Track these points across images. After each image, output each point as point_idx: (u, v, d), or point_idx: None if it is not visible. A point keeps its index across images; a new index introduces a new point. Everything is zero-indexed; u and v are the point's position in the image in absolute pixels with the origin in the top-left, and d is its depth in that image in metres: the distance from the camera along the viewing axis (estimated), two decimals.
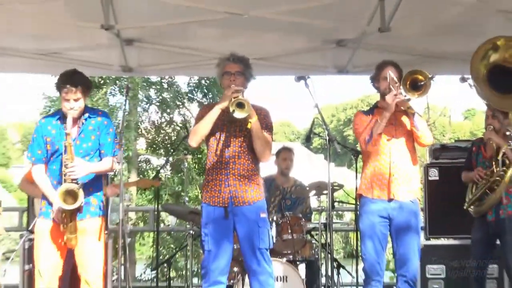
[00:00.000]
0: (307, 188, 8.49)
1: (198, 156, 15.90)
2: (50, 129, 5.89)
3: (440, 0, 7.03)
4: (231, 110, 5.75)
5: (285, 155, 8.49)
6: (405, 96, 6.00)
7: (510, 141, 6.24)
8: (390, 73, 6.11)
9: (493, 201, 6.68)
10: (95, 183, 5.95)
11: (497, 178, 6.58)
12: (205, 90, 17.07)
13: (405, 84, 6.01)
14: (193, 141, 6.08)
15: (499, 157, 6.55)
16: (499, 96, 6.61)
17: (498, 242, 6.86)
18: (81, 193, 5.59)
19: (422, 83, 6.03)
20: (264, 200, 6.17)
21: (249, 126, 5.84)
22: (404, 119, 6.17)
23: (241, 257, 6.27)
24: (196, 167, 16.41)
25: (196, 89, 17.12)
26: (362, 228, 6.21)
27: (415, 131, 6.12)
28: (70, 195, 5.59)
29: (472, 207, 6.88)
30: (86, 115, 5.94)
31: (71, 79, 5.77)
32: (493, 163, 6.65)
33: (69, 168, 5.61)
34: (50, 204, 5.80)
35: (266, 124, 6.07)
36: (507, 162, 6.38)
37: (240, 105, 5.75)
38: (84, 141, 5.86)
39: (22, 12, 7.20)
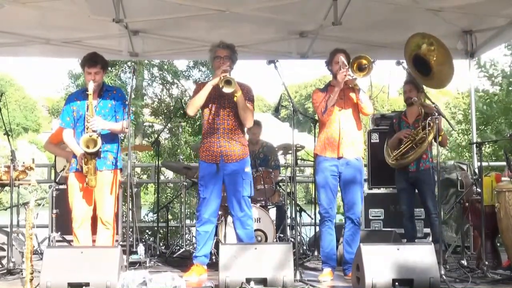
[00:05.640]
0: (275, 147, 8.60)
1: (191, 122, 15.75)
2: (76, 100, 5.97)
3: (379, 0, 7.05)
4: (220, 86, 5.78)
5: (254, 130, 8.42)
6: (352, 76, 6.00)
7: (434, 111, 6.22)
8: (341, 58, 6.10)
9: (417, 155, 6.74)
10: (111, 143, 5.95)
11: (422, 136, 6.64)
12: (203, 69, 16.88)
13: (352, 66, 6.00)
14: (191, 111, 6.12)
15: (424, 122, 6.60)
16: (423, 78, 6.72)
17: (416, 191, 6.95)
18: (99, 140, 5.63)
19: (365, 65, 6.02)
20: (249, 157, 6.19)
21: (235, 99, 5.88)
22: (351, 94, 6.15)
23: (225, 202, 6.33)
24: (189, 131, 16.26)
25: (192, 68, 16.93)
26: (317, 181, 6.21)
27: (359, 103, 6.11)
28: (91, 142, 5.62)
29: (394, 161, 6.93)
30: (104, 89, 6.02)
31: (93, 57, 5.89)
32: (419, 125, 6.71)
33: (90, 122, 5.68)
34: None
35: (249, 97, 6.08)
36: (431, 124, 6.38)
37: (228, 82, 5.78)
38: (102, 108, 5.90)
39: (51, 8, 7.19)
